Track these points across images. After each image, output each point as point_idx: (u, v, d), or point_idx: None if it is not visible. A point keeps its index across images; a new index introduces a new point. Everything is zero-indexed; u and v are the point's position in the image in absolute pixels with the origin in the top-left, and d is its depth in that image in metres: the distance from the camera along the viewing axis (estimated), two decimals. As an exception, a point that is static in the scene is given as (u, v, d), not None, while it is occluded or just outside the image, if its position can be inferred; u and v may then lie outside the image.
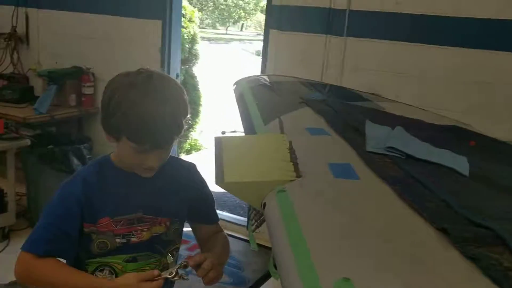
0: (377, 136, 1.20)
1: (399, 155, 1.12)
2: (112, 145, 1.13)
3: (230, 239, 1.32)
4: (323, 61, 3.10)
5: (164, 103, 1.05)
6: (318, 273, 0.69)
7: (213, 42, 10.62)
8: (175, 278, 1.08)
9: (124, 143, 1.08)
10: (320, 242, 0.78)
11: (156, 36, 3.57)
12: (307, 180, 0.97)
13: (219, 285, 2.51)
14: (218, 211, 1.35)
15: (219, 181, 0.99)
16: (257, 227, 1.10)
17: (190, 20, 5.10)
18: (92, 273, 1.15)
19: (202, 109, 5.24)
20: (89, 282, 1.09)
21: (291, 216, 0.85)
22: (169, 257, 1.18)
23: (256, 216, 1.08)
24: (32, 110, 3.53)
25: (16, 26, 4.01)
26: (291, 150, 1.01)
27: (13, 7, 3.98)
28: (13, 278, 2.78)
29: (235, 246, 2.94)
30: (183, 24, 4.55)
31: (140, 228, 1.15)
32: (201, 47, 5.13)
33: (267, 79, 2.04)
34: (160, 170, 1.14)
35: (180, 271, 1.09)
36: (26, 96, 3.76)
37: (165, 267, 1.18)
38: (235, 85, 1.87)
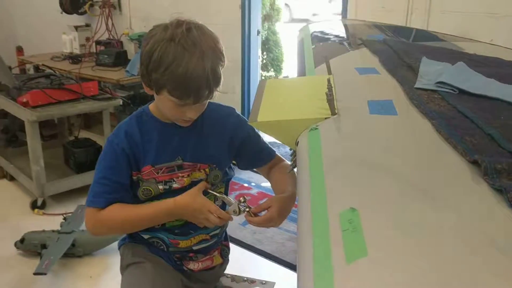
0: (430, 72, 1.11)
1: (450, 90, 1.03)
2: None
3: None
4: (407, 5, 2.90)
5: (204, 58, 1.05)
6: (327, 203, 0.68)
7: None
8: (239, 215, 1.15)
9: (165, 96, 1.10)
10: (338, 175, 0.75)
11: (236, -7, 3.58)
12: (341, 118, 0.94)
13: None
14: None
15: (253, 120, 0.99)
16: (293, 167, 1.10)
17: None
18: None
19: (284, 65, 5.18)
20: (157, 206, 1.17)
21: (317, 151, 0.84)
22: (229, 198, 1.21)
23: (293, 155, 1.07)
24: (125, 72, 3.77)
25: (108, -6, 4.25)
26: (329, 89, 0.97)
27: (105, -25, 4.21)
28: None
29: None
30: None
31: (180, 174, 1.19)
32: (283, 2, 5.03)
33: (334, 24, 1.96)
34: (198, 118, 1.17)
35: (241, 207, 1.15)
36: (120, 59, 3.99)
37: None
38: (299, 32, 1.83)
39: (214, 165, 1.23)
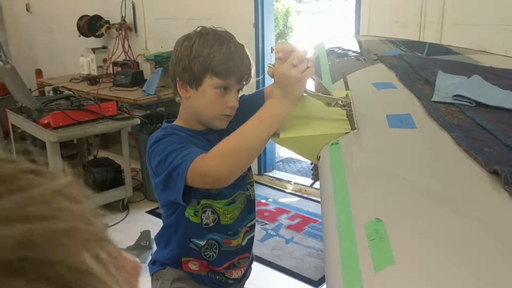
0: (447, 86, 1.14)
1: (467, 103, 1.05)
2: (186, 101, 1.21)
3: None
4: (420, 19, 2.93)
5: (238, 46, 1.18)
6: (353, 215, 0.70)
7: (316, 13, 10.47)
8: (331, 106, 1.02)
9: (207, 85, 1.15)
10: (361, 188, 0.78)
11: (249, 12, 3.66)
12: (361, 132, 0.96)
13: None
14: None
15: (275, 136, 1.02)
16: (315, 181, 1.12)
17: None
18: (201, 216, 1.23)
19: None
20: (271, 110, 1.03)
21: (339, 165, 0.86)
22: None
23: (314, 170, 1.09)
24: (142, 92, 3.84)
25: (124, 16, 4.35)
26: (347, 103, 1.00)
27: (121, -2, 4.32)
28: (131, 243, 3.06)
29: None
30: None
31: None
32: (297, 20, 5.11)
33: (348, 40, 1.99)
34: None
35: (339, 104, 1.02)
36: (137, 79, 4.08)
37: (248, 198, 1.32)
38: (314, 49, 1.87)
39: None
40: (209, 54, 1.13)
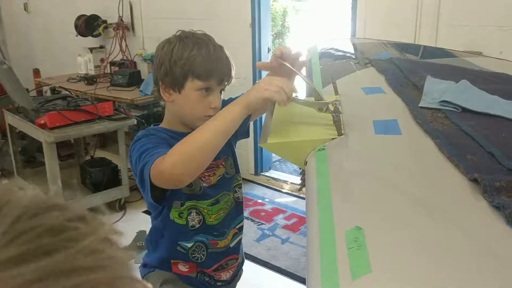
0: (434, 91, 1.15)
1: (453, 109, 1.06)
2: (170, 104, 1.24)
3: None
4: (415, 20, 2.94)
5: (217, 47, 1.20)
6: (334, 222, 0.71)
7: (313, 12, 10.48)
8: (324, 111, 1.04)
9: (189, 88, 1.18)
10: (344, 195, 0.79)
11: (246, 12, 3.66)
12: (348, 138, 0.97)
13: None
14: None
15: (263, 141, 1.03)
16: (303, 186, 1.13)
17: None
18: (186, 217, 1.25)
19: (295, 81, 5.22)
20: (225, 110, 1.07)
21: (324, 171, 0.87)
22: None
23: (301, 175, 1.10)
24: (139, 92, 3.85)
25: (122, 16, 4.36)
26: (336, 109, 1.01)
27: (118, -2, 4.33)
28: (128, 243, 3.07)
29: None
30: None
31: (207, 174, 1.26)
32: (295, 19, 5.11)
33: (341, 42, 2.00)
34: None
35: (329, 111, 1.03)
36: (134, 79, 4.09)
37: (236, 200, 1.34)
38: (307, 51, 1.88)
39: (225, 156, 1.31)
40: (189, 57, 1.16)
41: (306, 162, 0.99)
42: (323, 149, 0.96)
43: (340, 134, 0.99)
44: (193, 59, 1.16)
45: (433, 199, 0.74)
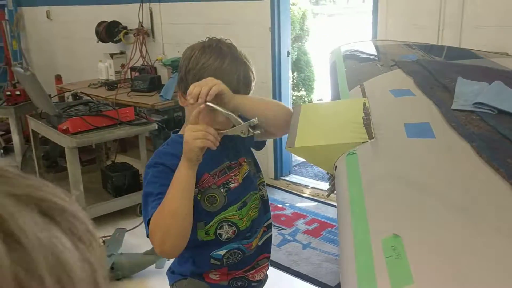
0: (467, 93, 1.11)
1: (489, 111, 1.02)
2: (186, 108, 1.22)
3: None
4: (438, 21, 2.88)
5: (237, 62, 1.18)
6: (369, 230, 0.68)
7: (332, 15, 10.41)
8: (247, 135, 1.11)
9: None
10: (378, 201, 0.76)
11: (265, 16, 3.65)
12: (379, 142, 0.94)
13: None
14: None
15: (290, 145, 1.01)
16: (332, 191, 1.10)
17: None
18: (215, 232, 1.24)
19: (315, 85, 5.19)
20: (175, 178, 1.10)
21: (355, 176, 0.84)
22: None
23: (331, 180, 1.08)
24: (159, 97, 3.86)
25: (142, 22, 4.38)
26: (365, 113, 0.98)
27: (139, 4, 4.35)
28: (148, 248, 3.06)
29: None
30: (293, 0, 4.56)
31: (232, 174, 1.24)
32: (313, 23, 5.08)
33: (364, 45, 1.97)
34: None
35: (251, 129, 1.10)
36: (154, 85, 4.09)
37: (262, 198, 1.32)
38: (330, 54, 1.85)
39: (245, 155, 1.29)
40: (200, 68, 1.15)
41: (336, 166, 0.96)
42: (354, 153, 0.93)
43: (370, 137, 0.96)
44: (204, 70, 1.15)
45: (474, 205, 0.70)
